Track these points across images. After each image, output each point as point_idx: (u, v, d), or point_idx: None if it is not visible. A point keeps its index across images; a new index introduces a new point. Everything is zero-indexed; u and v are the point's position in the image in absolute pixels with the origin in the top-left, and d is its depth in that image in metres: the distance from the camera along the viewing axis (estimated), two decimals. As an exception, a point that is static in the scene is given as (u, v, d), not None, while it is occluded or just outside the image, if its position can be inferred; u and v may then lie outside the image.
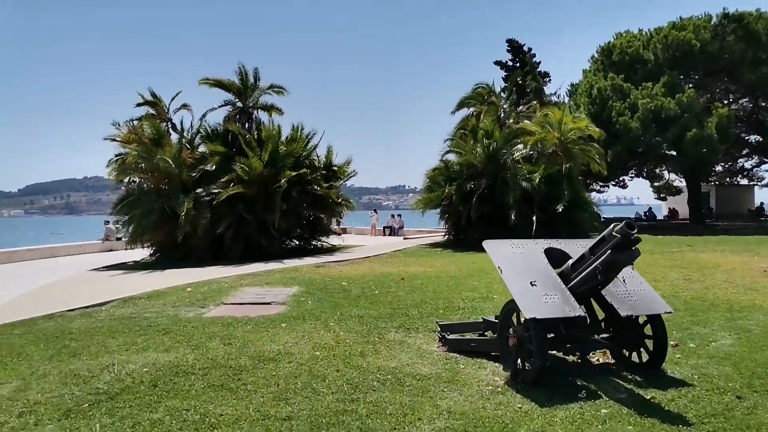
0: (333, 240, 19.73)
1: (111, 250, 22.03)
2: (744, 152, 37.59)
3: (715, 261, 13.26)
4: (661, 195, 39.65)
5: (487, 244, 5.55)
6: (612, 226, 4.72)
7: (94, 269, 15.28)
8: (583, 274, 4.93)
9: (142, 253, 18.13)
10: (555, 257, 5.52)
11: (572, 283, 5.04)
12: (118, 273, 14.26)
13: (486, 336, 5.98)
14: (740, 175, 40.73)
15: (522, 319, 5.08)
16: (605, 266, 4.70)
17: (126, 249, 20.16)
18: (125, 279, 12.97)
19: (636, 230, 4.53)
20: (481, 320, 6.19)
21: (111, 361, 5.76)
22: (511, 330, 5.15)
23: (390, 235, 29.04)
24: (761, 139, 35.01)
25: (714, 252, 15.42)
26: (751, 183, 41.17)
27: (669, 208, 39.89)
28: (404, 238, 24.21)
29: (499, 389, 4.76)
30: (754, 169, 39.96)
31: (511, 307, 5.17)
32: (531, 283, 5.00)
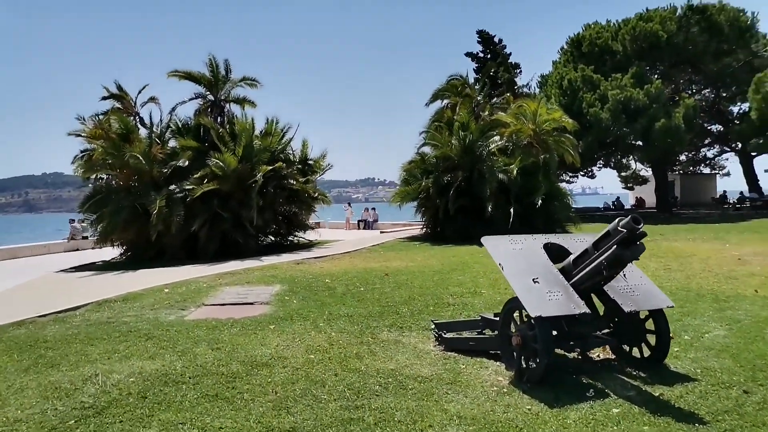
0: (309, 235, 19.44)
1: (77, 250, 21.23)
2: (706, 142, 38.73)
3: (690, 250, 13.53)
4: (629, 184, 40.56)
5: (486, 240, 5.44)
6: (617, 220, 4.65)
7: (62, 270, 14.65)
8: (587, 269, 4.87)
9: (111, 252, 17.51)
10: (553, 252, 5.45)
11: (575, 279, 4.97)
12: (88, 274, 13.69)
13: (485, 334, 5.87)
14: (703, 164, 41.98)
15: (524, 317, 4.99)
16: (611, 262, 4.64)
17: (94, 248, 19.48)
18: (96, 280, 12.46)
19: (642, 225, 4.47)
20: (479, 318, 6.08)
21: (93, 371, 5.44)
22: (513, 328, 5.05)
23: (365, 228, 28.87)
24: (722, 129, 36.13)
25: (686, 240, 15.77)
26: (713, 172, 42.47)
27: (636, 198, 40.83)
28: (381, 232, 24.06)
29: (505, 390, 4.66)
30: (716, 158, 41.29)
31: (513, 305, 5.07)
32: (533, 280, 4.91)
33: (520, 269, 5.05)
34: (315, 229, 19.70)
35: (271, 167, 16.95)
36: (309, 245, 18.25)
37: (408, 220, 26.85)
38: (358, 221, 29.85)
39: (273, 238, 18.81)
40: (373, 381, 4.96)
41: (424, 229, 20.71)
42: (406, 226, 25.76)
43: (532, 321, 4.73)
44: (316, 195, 19.34)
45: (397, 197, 20.61)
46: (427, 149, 21.74)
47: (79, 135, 17.67)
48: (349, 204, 32.14)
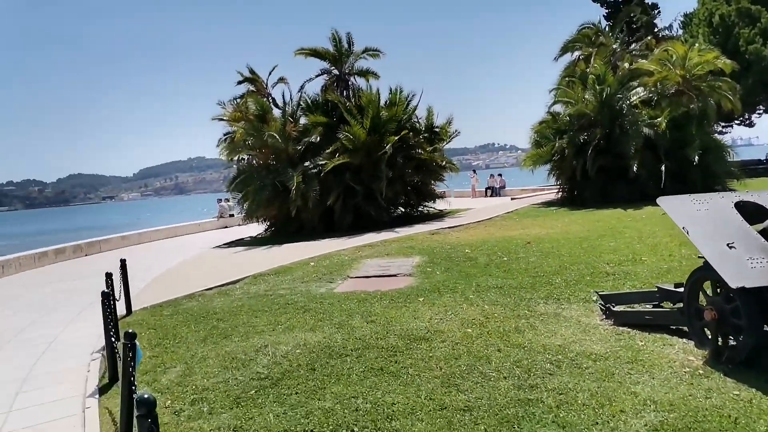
0: (438, 205, 19.26)
1: (225, 227, 23.08)
2: None
3: None
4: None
5: (663, 201, 4.82)
6: None
7: (217, 246, 15.96)
8: (803, 232, 4.09)
9: (256, 228, 18.73)
10: (748, 212, 4.68)
11: (785, 244, 4.22)
12: (240, 249, 14.76)
13: (663, 307, 5.27)
14: None
15: (717, 288, 4.36)
16: (838, 222, 3.84)
17: (240, 225, 21.03)
18: (248, 255, 13.36)
19: None
20: (655, 289, 5.47)
21: (262, 342, 5.74)
22: (704, 301, 4.44)
23: (492, 196, 28.11)
24: None
25: None
26: None
27: (808, 145, 35.24)
28: (511, 199, 23.24)
29: (700, 371, 4.11)
30: None
31: (702, 274, 4.44)
32: (728, 245, 4.24)
33: (710, 233, 4.40)
34: (444, 198, 19.44)
35: (398, 137, 16.91)
36: (439, 215, 18.09)
37: (539, 185, 25.66)
38: (486, 189, 29.11)
39: (403, 210, 18.90)
40: (542, 358, 4.65)
41: (560, 193, 19.59)
42: (537, 191, 24.63)
43: (731, 293, 4.10)
44: (444, 163, 19.04)
45: (528, 161, 19.64)
46: (558, 107, 20.43)
47: (222, 119, 19.01)
48: (474, 171, 31.43)
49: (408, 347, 5.23)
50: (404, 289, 7.65)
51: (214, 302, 7.97)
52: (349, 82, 20.53)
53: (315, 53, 20.25)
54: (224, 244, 16.29)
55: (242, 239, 17.17)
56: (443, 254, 10.18)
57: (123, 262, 8.05)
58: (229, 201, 24.15)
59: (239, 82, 23.30)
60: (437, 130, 19.27)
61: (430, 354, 5.00)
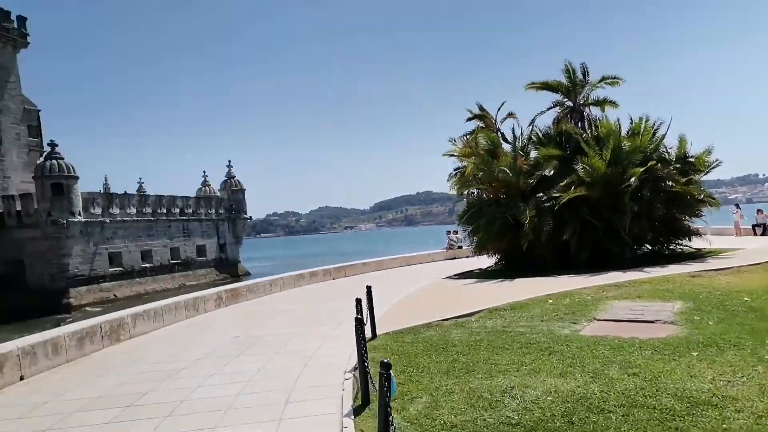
0: (695, 243, 16.62)
1: (454, 258, 23.47)
2: None
3: None
4: None
5: None
6: None
7: (447, 277, 16.20)
8: None
9: (485, 260, 18.56)
10: None
11: None
12: (470, 281, 14.70)
13: None
14: None
15: None
16: None
17: (468, 257, 21.18)
18: (480, 288, 13.20)
19: None
20: None
21: (508, 383, 5.38)
22: None
23: (763, 234, 23.39)
24: None
25: None
26: None
27: None
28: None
29: None
30: None
31: None
32: None
33: None
34: (702, 236, 16.73)
35: (643, 168, 15.22)
36: (697, 255, 15.60)
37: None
38: (753, 226, 24.41)
39: (650, 247, 16.81)
40: None
41: None
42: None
43: None
44: (702, 197, 16.49)
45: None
46: None
47: (452, 155, 19.55)
48: (737, 206, 26.64)
49: (689, 412, 4.34)
50: (669, 339, 6.57)
51: (451, 334, 7.90)
52: (584, 113, 19.50)
53: (547, 86, 19.85)
54: (454, 275, 16.46)
55: (472, 271, 17.16)
56: (713, 301, 8.59)
57: (369, 289, 8.55)
58: (458, 233, 24.61)
59: (469, 119, 23.96)
60: (691, 160, 16.85)
61: (724, 425, 4.06)
